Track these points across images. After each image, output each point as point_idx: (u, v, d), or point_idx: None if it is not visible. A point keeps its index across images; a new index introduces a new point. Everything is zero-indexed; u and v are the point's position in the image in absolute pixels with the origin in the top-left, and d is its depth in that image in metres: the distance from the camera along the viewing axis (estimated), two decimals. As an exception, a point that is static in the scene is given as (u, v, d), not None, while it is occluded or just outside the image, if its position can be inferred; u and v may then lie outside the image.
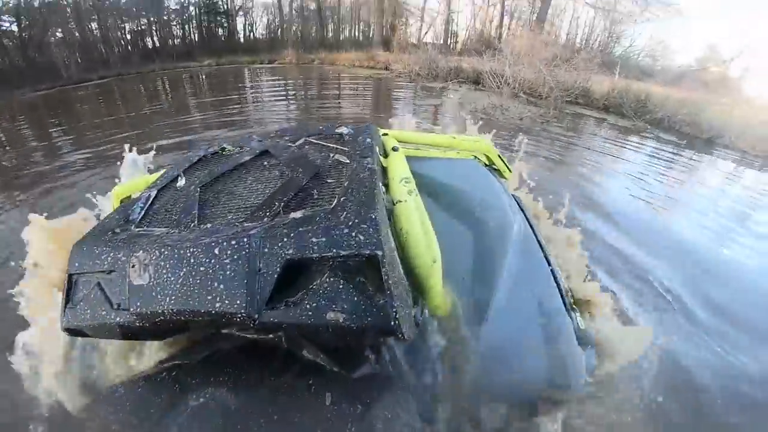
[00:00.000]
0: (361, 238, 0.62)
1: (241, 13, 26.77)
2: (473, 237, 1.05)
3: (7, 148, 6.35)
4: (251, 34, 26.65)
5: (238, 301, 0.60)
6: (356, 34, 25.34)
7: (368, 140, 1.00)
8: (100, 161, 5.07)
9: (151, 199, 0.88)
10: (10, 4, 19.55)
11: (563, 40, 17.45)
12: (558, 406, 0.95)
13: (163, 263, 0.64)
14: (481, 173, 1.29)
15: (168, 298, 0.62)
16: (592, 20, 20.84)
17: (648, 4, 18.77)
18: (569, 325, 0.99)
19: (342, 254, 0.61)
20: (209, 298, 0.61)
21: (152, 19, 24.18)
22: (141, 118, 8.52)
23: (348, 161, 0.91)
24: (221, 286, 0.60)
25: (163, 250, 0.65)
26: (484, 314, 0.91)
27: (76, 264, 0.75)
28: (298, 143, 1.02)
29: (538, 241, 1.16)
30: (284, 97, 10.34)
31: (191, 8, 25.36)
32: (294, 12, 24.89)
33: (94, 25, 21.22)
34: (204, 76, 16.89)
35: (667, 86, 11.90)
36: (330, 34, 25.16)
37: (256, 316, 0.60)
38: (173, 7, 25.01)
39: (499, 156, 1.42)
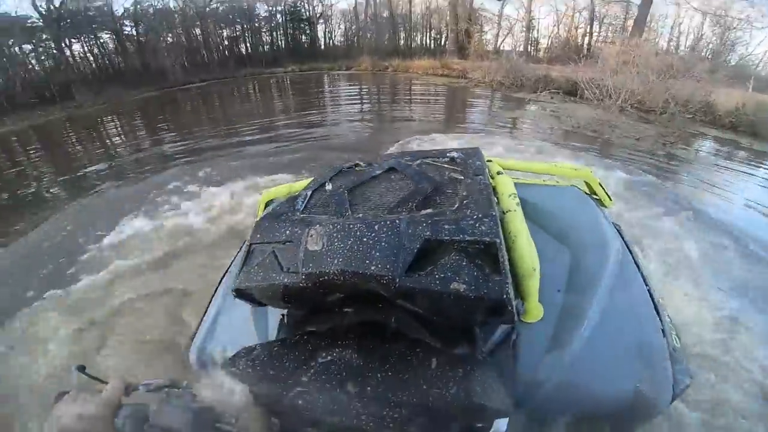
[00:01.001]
0: (483, 228, 0.76)
1: (321, 20, 27.53)
2: (570, 257, 1.12)
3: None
4: (330, 41, 27.27)
5: (388, 266, 0.74)
6: (428, 41, 24.69)
7: (478, 162, 1.10)
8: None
9: (308, 196, 1.04)
10: (131, 10, 21.94)
11: (663, 48, 15.11)
12: (639, 420, 0.96)
13: (335, 234, 0.81)
14: (580, 200, 1.34)
15: (336, 261, 0.77)
16: (699, 26, 17.99)
17: (770, 6, 15.63)
18: (663, 345, 0.99)
19: (467, 239, 0.75)
20: (367, 262, 0.76)
21: (245, 26, 25.75)
22: (236, 117, 8.77)
23: (463, 178, 1.02)
24: (377, 254, 0.76)
25: (335, 224, 0.83)
26: (576, 327, 0.94)
27: (258, 236, 0.92)
28: (416, 163, 1.14)
29: (638, 267, 1.19)
30: (359, 101, 10.09)
31: (278, 16, 26.61)
32: (369, 19, 24.95)
33: (197, 31, 23.10)
34: (288, 81, 17.39)
35: None
36: (402, 42, 24.82)
37: (398, 279, 0.73)
38: (262, 15, 26.40)
39: (600, 184, 1.45)
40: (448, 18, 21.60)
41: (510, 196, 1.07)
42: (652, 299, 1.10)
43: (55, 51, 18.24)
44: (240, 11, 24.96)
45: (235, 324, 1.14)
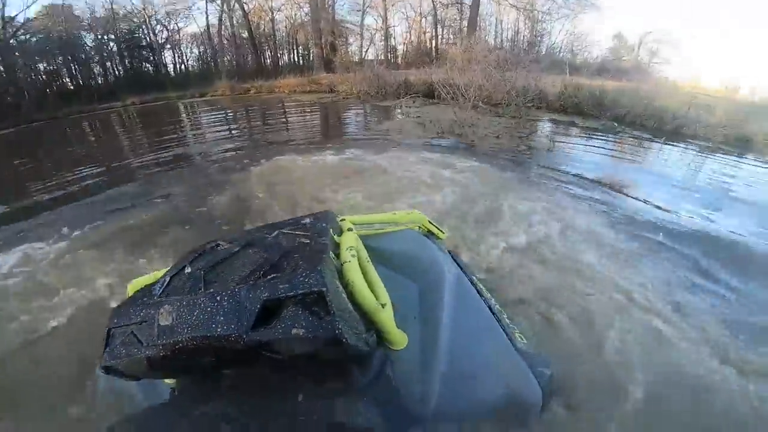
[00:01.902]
0: (311, 281, 0.84)
1: (168, 46, 24.13)
2: (417, 288, 1.24)
3: None
4: (181, 66, 24.03)
5: (233, 326, 0.82)
6: (296, 58, 23.68)
7: (324, 225, 1.19)
8: None
9: (166, 282, 1.08)
10: None
11: (492, 44, 16.89)
12: (524, 416, 1.04)
13: (182, 309, 0.88)
14: (417, 239, 1.49)
15: (185, 330, 0.85)
16: (515, 22, 20.80)
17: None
18: (509, 346, 1.12)
19: (300, 292, 0.84)
20: (212, 326, 0.84)
21: (68, 57, 20.87)
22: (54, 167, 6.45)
23: (308, 241, 1.10)
24: (221, 318, 0.84)
25: (182, 300, 0.91)
26: (437, 347, 1.04)
27: (115, 320, 0.97)
28: (273, 235, 1.21)
29: (473, 284, 1.35)
30: (225, 129, 8.52)
31: (111, 44, 22.32)
32: (226, 41, 22.81)
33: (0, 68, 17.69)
34: (131, 116, 14.23)
35: (592, 78, 11.59)
36: (268, 61, 23.30)
37: (245, 336, 0.81)
38: (89, 44, 21.82)
39: (430, 222, 1.62)
40: (311, 33, 20.86)
41: (347, 249, 1.12)
42: (491, 309, 1.24)
43: None
44: (58, 42, 20.11)
45: None
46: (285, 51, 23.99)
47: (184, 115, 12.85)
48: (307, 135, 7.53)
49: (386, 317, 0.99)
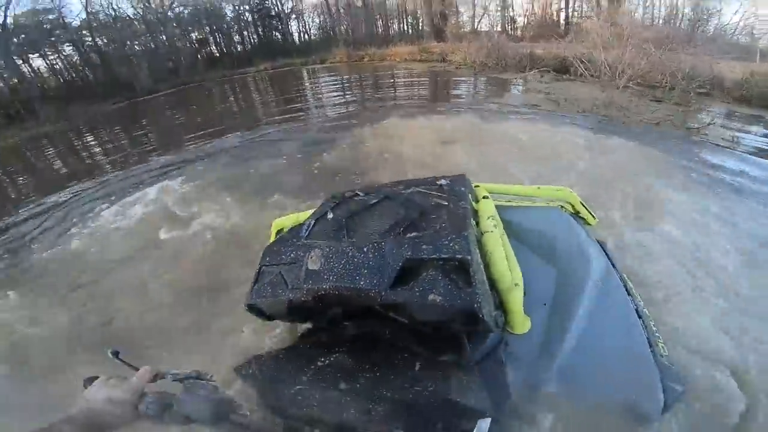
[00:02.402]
0: (456, 247, 0.80)
1: (293, 15, 25.64)
2: (555, 274, 1.11)
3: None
4: (305, 35, 25.44)
5: (374, 281, 0.80)
6: (405, 27, 23.18)
7: (462, 189, 1.14)
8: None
9: (311, 225, 1.11)
10: (91, 20, 19.84)
11: (640, 21, 13.82)
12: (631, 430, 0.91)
13: (330, 256, 0.88)
14: (563, 220, 1.32)
15: (331, 278, 0.84)
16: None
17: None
18: (648, 355, 0.98)
19: (443, 257, 0.80)
20: (356, 278, 0.82)
21: (212, 27, 23.72)
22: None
23: (446, 203, 1.06)
24: (366, 271, 0.82)
25: (331, 247, 0.90)
26: (562, 338, 0.94)
27: (267, 259, 0.99)
28: (408, 191, 1.18)
29: (623, 281, 1.20)
30: (340, 93, 8.79)
31: (246, 14, 24.62)
32: (342, 10, 23.27)
33: (162, 37, 21.08)
34: (263, 79, 15.67)
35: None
36: (380, 30, 23.23)
37: (383, 293, 0.79)
38: (229, 15, 24.41)
39: (582, 203, 1.43)
40: (421, 2, 20.05)
41: (488, 218, 1.08)
42: (637, 312, 1.11)
43: (6, 68, 16.30)
44: (205, 13, 22.96)
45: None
46: (395, 20, 23.60)
47: (306, 79, 13.68)
48: (417, 98, 7.20)
49: (517, 298, 0.93)
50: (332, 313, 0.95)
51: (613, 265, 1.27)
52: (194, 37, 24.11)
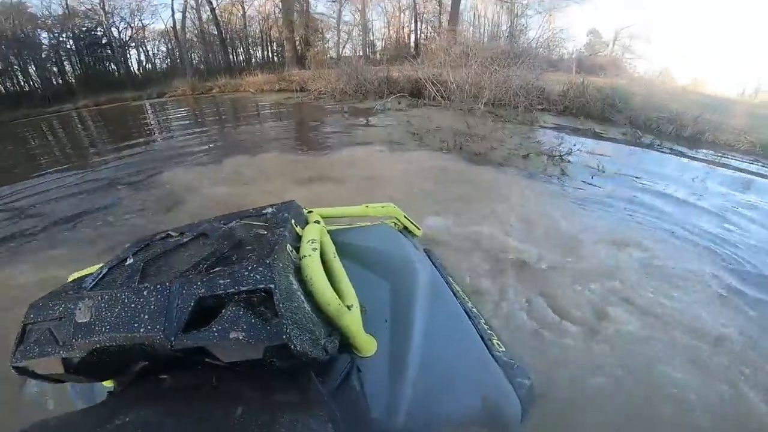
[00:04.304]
0: (258, 276, 0.68)
1: (132, 44, 20.94)
2: (389, 289, 1.03)
3: None
4: (147, 65, 21.00)
5: (158, 327, 0.66)
6: (270, 56, 21.14)
7: (285, 215, 1.03)
8: None
9: (102, 273, 0.91)
10: None
11: (471, 39, 14.93)
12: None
13: (102, 304, 0.72)
14: (391, 235, 1.26)
15: (104, 329, 0.70)
16: (494, 15, 19.01)
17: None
18: (484, 351, 0.94)
19: (243, 289, 0.67)
20: (135, 326, 0.68)
21: (22, 58, 17.50)
22: None
23: (266, 233, 0.92)
24: (146, 317, 0.68)
25: (103, 295, 0.74)
26: (407, 353, 0.87)
27: (31, 315, 0.81)
28: (229, 225, 1.02)
29: (449, 285, 1.17)
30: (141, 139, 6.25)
31: (70, 42, 19.02)
32: (195, 38, 19.95)
33: None
34: (63, 122, 11.38)
35: (569, 75, 9.91)
36: (241, 58, 20.61)
37: (173, 338, 0.66)
38: (46, 43, 18.57)
39: (406, 217, 1.36)
40: (282, 26, 18.37)
41: (308, 242, 0.93)
42: (467, 313, 1.07)
43: None
44: (10, 40, 16.77)
45: None
46: (258, 48, 21.39)
47: (134, 118, 10.28)
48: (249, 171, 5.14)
49: (352, 320, 0.80)
50: (132, 367, 0.79)
51: (440, 271, 1.22)
52: None
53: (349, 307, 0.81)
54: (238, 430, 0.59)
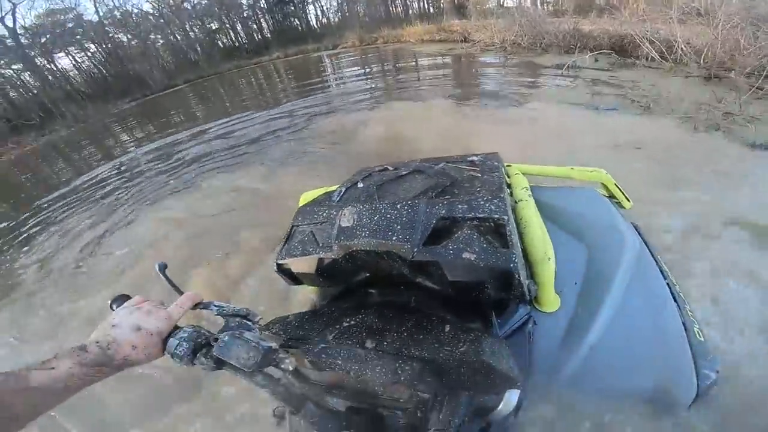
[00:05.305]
0: (492, 207, 0.73)
1: (309, 0, 23.10)
2: (587, 253, 1.00)
3: None
4: (323, 19, 23.02)
5: (406, 238, 0.72)
6: (425, 5, 20.19)
7: (495, 163, 1.04)
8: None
9: (343, 191, 1.01)
10: (113, 15, 18.34)
11: None
12: (663, 416, 0.80)
13: (364, 213, 0.80)
14: (597, 202, 1.19)
15: (364, 233, 0.76)
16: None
17: None
18: (683, 339, 0.87)
19: (478, 216, 0.72)
20: (389, 234, 0.73)
21: (226, 17, 21.73)
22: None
23: (479, 175, 0.96)
24: (399, 227, 0.74)
25: (364, 205, 0.83)
26: (592, 319, 0.84)
27: (299, 218, 0.90)
28: (440, 165, 1.08)
29: (657, 264, 1.07)
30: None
31: (262, 1, 22.38)
32: (359, -10, 20.52)
33: (178, 30, 19.38)
34: (273, 69, 13.72)
35: None
36: (399, 9, 20.36)
37: (415, 249, 0.70)
38: (245, 4, 22.38)
39: (616, 185, 1.27)
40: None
41: (522, 189, 1.00)
42: (673, 295, 1.00)
43: (28, 72, 15.29)
44: (221, 3, 20.96)
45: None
46: (415, -1, 20.63)
47: (317, 67, 11.65)
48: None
49: (548, 272, 0.83)
50: (359, 279, 0.86)
51: (649, 248, 1.14)
52: (212, 28, 22.31)
53: (548, 259, 0.81)
54: (450, 341, 0.64)
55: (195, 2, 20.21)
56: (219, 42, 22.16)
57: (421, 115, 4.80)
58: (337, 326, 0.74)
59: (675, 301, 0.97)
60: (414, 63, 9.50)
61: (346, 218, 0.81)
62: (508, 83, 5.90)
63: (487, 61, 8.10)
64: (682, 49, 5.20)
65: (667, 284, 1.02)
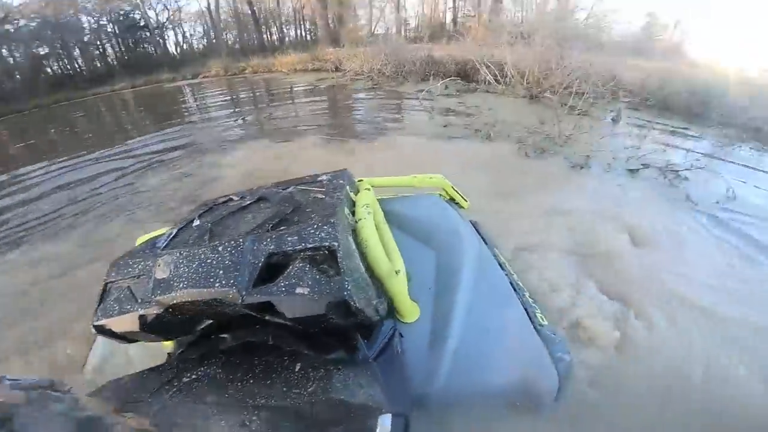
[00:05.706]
0: (323, 235, 0.70)
1: (169, 26, 20.43)
2: (435, 258, 1.04)
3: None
4: (183, 46, 20.53)
5: (232, 281, 0.67)
6: (302, 34, 20.05)
7: (341, 181, 1.04)
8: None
9: (172, 234, 0.93)
10: None
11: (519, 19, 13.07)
12: (534, 407, 0.85)
13: (180, 261, 0.73)
14: (439, 206, 1.27)
15: (182, 284, 0.69)
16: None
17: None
18: (527, 323, 0.93)
19: (309, 247, 0.69)
20: (211, 281, 0.68)
21: (64, 42, 17.50)
22: None
23: (323, 196, 0.95)
24: (221, 272, 0.68)
25: (181, 251, 0.75)
26: (450, 322, 0.88)
27: (113, 273, 0.82)
28: (287, 190, 1.05)
29: (495, 257, 1.15)
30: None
31: (109, 26, 18.82)
32: (230, 18, 19.17)
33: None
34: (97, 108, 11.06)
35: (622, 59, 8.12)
36: (274, 37, 19.68)
37: (244, 293, 0.66)
38: (87, 28, 18.49)
39: (453, 188, 1.35)
40: (314, 2, 17.16)
41: (363, 206, 0.97)
42: (512, 285, 1.05)
43: None
44: (54, 25, 16.73)
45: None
46: (292, 27, 20.32)
47: (172, 100, 9.77)
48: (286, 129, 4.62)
49: (399, 285, 0.84)
50: (202, 326, 0.80)
51: (486, 243, 1.21)
52: (39, 53, 17.56)
53: (396, 272, 0.83)
54: (299, 382, 0.62)
55: (21, 24, 15.61)
56: (48, 68, 17.54)
57: (285, 152, 4.09)
58: (176, 383, 0.70)
59: (515, 290, 1.02)
60: (284, 92, 8.81)
61: (161, 269, 0.74)
62: (373, 118, 5.69)
63: (356, 91, 7.99)
64: (510, 72, 5.87)
65: (506, 275, 1.07)
